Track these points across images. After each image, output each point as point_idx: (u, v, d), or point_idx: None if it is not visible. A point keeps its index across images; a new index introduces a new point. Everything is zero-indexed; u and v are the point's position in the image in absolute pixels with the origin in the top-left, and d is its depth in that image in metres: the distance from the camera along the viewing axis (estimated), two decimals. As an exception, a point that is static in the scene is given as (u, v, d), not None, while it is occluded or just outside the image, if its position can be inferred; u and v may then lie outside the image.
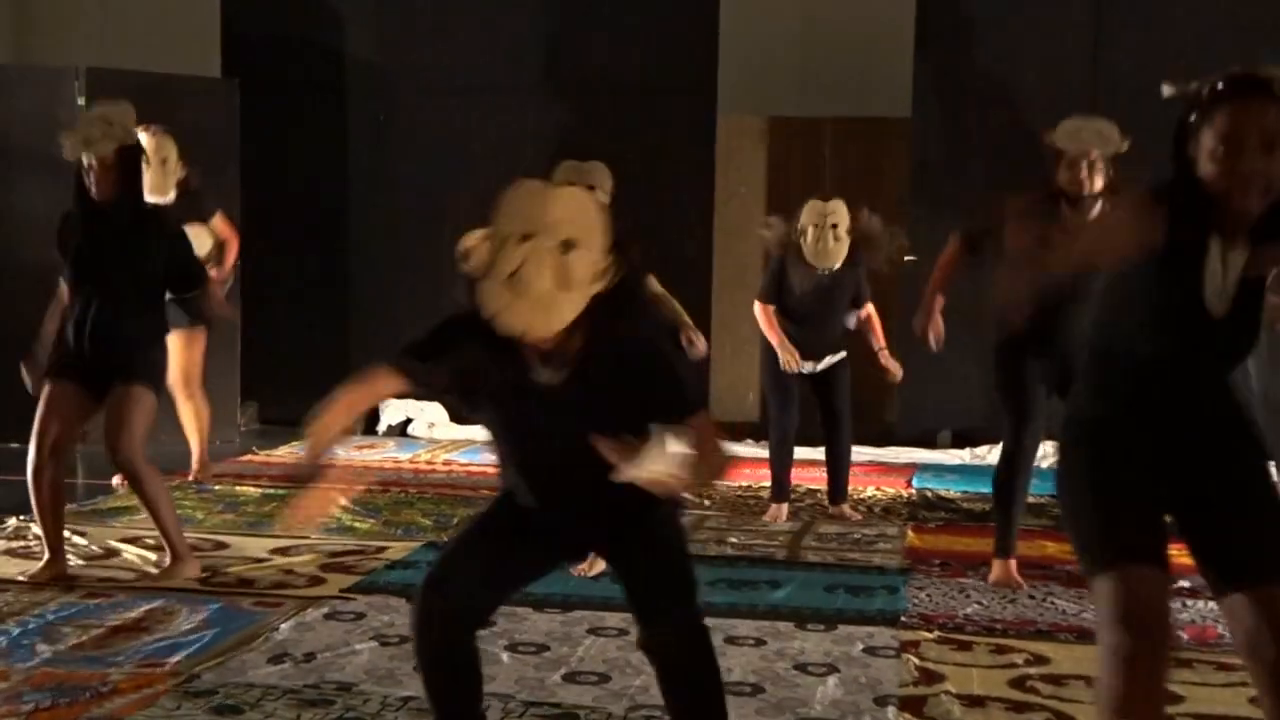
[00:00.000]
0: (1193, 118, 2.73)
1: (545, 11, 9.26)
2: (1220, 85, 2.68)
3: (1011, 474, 5.45)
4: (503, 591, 3.25)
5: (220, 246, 7.03)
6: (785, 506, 6.98)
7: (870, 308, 6.85)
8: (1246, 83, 2.67)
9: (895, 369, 6.97)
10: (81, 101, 8.43)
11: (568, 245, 2.74)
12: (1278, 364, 7.15)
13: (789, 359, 6.71)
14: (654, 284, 5.75)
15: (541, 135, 8.93)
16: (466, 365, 2.95)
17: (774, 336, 6.77)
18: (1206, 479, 2.87)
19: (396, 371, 2.97)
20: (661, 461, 2.73)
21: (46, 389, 5.44)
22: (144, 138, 5.94)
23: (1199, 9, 8.34)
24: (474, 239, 2.86)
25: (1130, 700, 2.73)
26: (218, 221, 6.94)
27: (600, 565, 5.42)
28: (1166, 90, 2.81)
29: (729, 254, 8.87)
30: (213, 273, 6.71)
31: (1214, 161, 2.66)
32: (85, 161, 5.36)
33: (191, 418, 7.28)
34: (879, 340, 6.92)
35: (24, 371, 5.47)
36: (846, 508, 6.97)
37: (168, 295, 5.60)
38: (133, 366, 5.39)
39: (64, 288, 5.44)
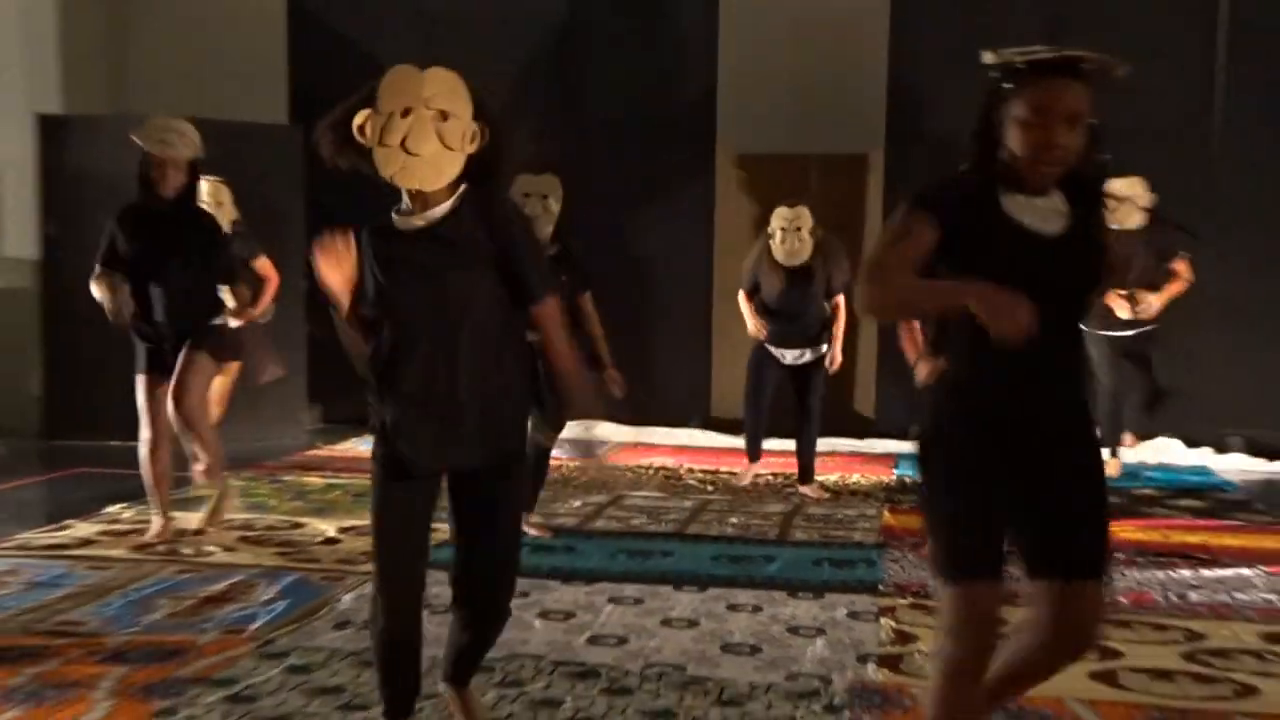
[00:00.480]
0: (1008, 85, 2.60)
1: (565, 60, 9.27)
2: (1035, 60, 2.57)
3: None
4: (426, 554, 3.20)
5: (259, 285, 7.00)
6: (754, 466, 7.18)
7: (841, 299, 6.82)
8: (1059, 60, 2.56)
9: (836, 360, 6.93)
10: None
11: (443, 115, 2.88)
12: (1118, 363, 7.16)
13: (757, 327, 6.84)
14: (586, 303, 5.71)
15: (563, 167, 8.93)
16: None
17: (749, 315, 6.88)
18: (1044, 475, 2.67)
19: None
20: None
21: (143, 381, 5.55)
22: (204, 184, 5.95)
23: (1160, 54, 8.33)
24: (361, 117, 2.89)
25: (953, 704, 2.69)
26: (262, 261, 6.95)
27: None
28: (987, 57, 2.64)
29: (726, 270, 8.84)
30: (254, 310, 6.74)
31: (1023, 130, 2.55)
32: (158, 158, 5.41)
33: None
34: (837, 329, 6.88)
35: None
36: (811, 489, 6.97)
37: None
38: (194, 337, 5.51)
39: (113, 278, 5.43)
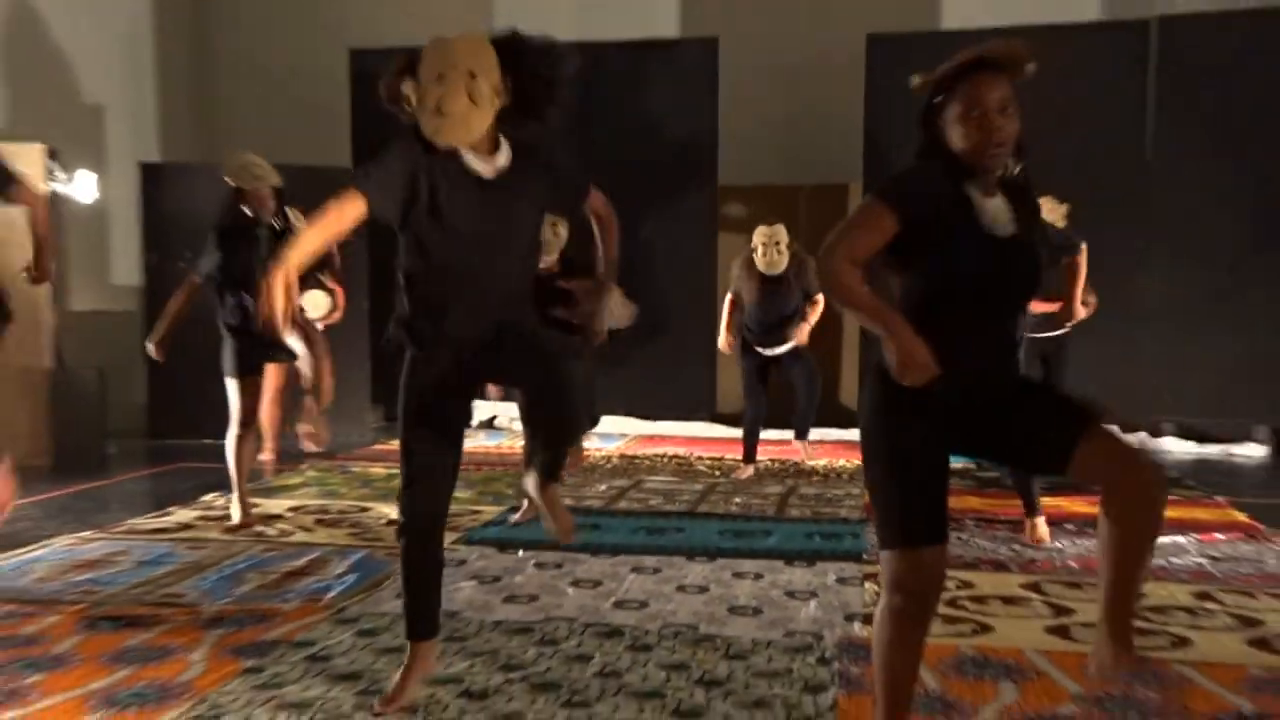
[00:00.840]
0: (939, 98, 2.57)
1: (586, 104, 9.26)
2: (959, 65, 2.53)
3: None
4: (451, 489, 3.18)
5: (333, 294, 7.05)
6: (751, 468, 7.11)
7: (820, 298, 6.76)
8: (979, 60, 2.52)
9: (801, 338, 6.86)
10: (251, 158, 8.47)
11: (471, 74, 2.84)
12: (1033, 365, 7.07)
13: (726, 341, 6.93)
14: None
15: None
16: (411, 182, 2.93)
17: (725, 324, 6.96)
18: (999, 412, 2.57)
19: (358, 194, 2.95)
20: (610, 309, 2.90)
21: (237, 384, 5.56)
22: (291, 212, 5.96)
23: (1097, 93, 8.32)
24: (409, 88, 2.89)
25: (894, 645, 2.63)
26: (333, 280, 7.05)
27: (531, 512, 5.49)
28: (914, 81, 2.60)
29: (727, 285, 8.79)
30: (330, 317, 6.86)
31: (964, 125, 2.50)
32: (248, 189, 5.45)
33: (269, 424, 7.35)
34: (810, 317, 6.83)
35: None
36: (805, 444, 6.98)
37: None
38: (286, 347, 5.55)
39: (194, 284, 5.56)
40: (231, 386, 5.59)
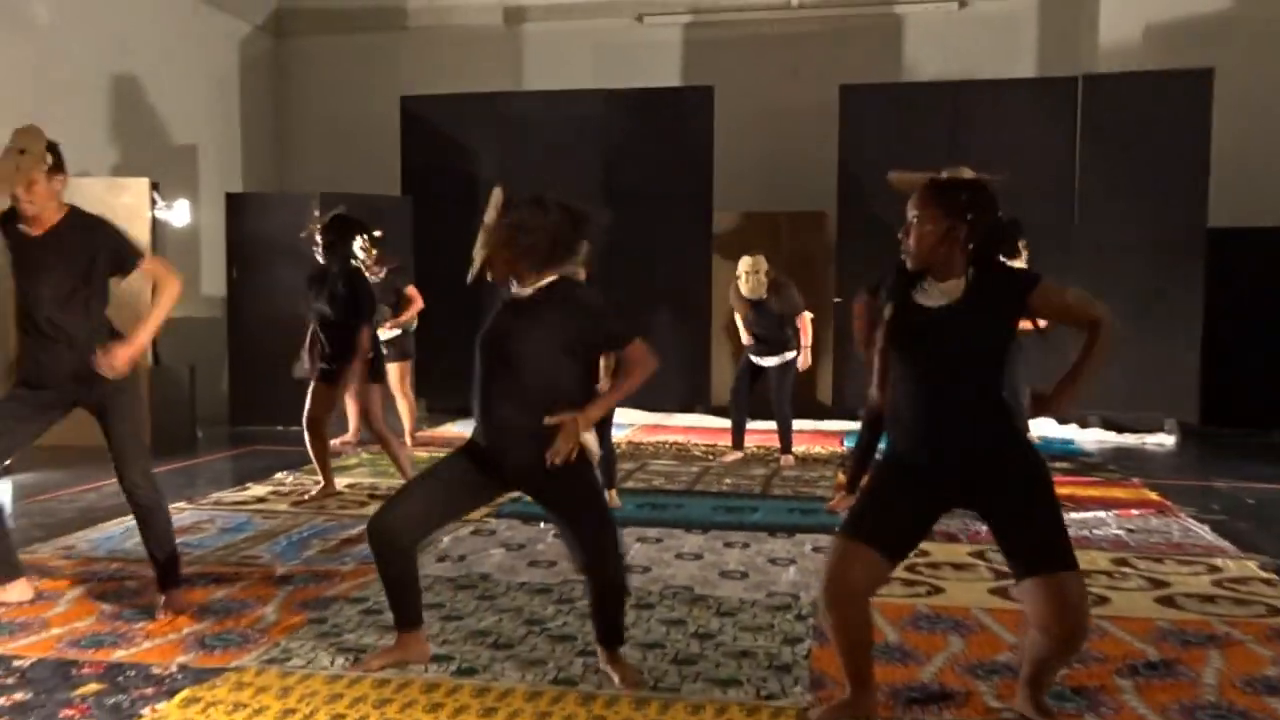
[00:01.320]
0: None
1: (600, 143, 9.26)
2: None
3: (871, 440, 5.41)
4: (433, 523, 3.05)
5: (408, 302, 7.15)
6: (739, 453, 7.02)
7: (804, 317, 6.74)
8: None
9: (806, 362, 6.83)
10: (316, 214, 8.43)
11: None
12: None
13: (747, 338, 6.81)
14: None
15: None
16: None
17: (743, 331, 6.84)
18: (992, 489, 2.54)
19: None
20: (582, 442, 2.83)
21: (312, 386, 5.56)
22: (359, 240, 5.92)
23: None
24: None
25: (836, 642, 2.65)
26: (410, 289, 7.15)
27: (617, 501, 5.39)
28: (893, 176, 2.61)
29: (719, 297, 8.72)
30: (402, 316, 7.04)
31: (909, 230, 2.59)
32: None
33: (407, 411, 7.41)
34: (805, 340, 6.76)
35: (302, 361, 5.60)
36: (788, 458, 6.91)
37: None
38: (374, 368, 5.60)
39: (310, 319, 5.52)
40: (311, 391, 5.60)
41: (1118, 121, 8.36)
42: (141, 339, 3.51)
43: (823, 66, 9.47)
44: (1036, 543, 2.50)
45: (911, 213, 2.54)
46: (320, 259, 5.50)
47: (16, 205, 3.43)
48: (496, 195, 2.89)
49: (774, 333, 6.70)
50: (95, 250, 3.49)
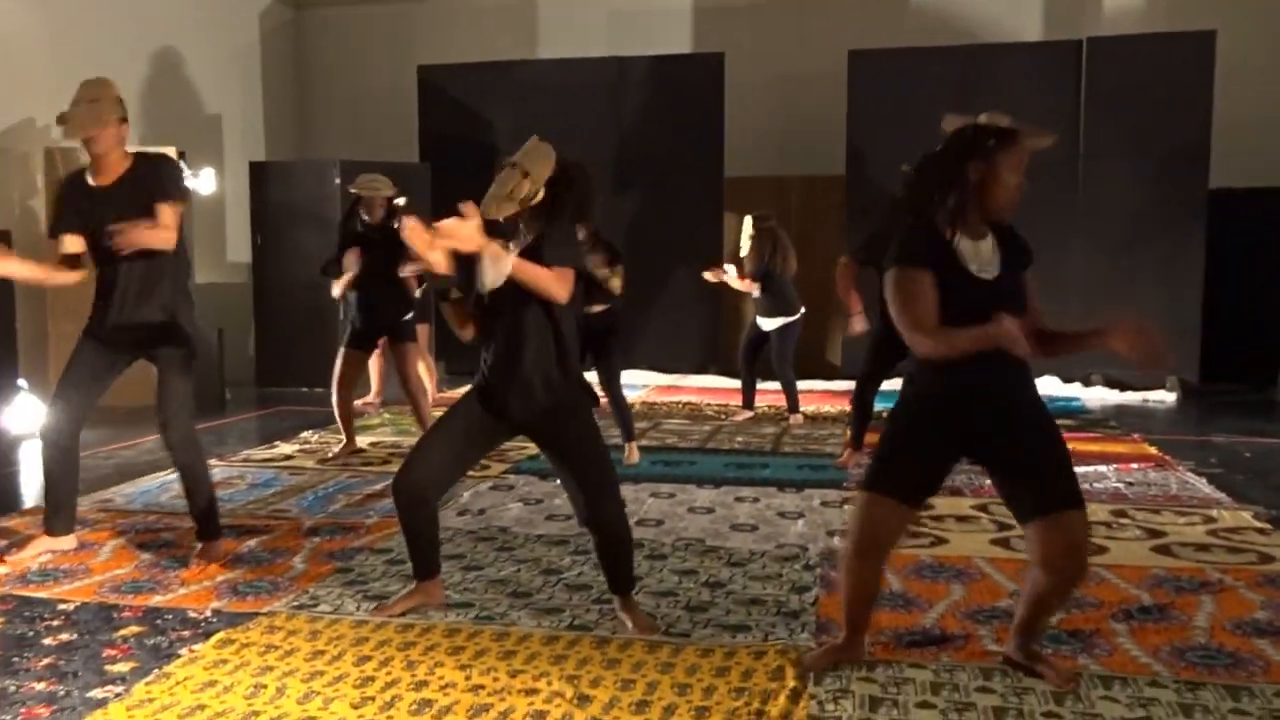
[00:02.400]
0: (992, 142, 2.44)
1: (616, 110, 9.23)
2: (1004, 131, 2.49)
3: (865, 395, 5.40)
4: (454, 475, 3.09)
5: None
6: (749, 412, 7.03)
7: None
8: (1015, 130, 2.51)
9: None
10: (337, 182, 8.45)
11: (525, 173, 2.89)
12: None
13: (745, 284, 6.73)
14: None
15: (616, 188, 8.96)
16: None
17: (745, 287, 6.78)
18: (1004, 435, 2.53)
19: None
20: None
21: (344, 352, 5.57)
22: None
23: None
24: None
25: (856, 576, 2.66)
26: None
27: (637, 455, 5.48)
28: (949, 123, 2.54)
29: (731, 260, 8.79)
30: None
31: (1011, 181, 2.45)
32: (368, 198, 5.46)
33: (427, 372, 7.44)
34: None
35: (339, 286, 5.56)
36: (796, 417, 6.91)
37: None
38: (403, 331, 5.56)
39: (345, 276, 5.45)
40: (341, 354, 5.60)
41: (1121, 84, 8.25)
42: (141, 230, 3.46)
43: (831, 33, 9.37)
44: (1049, 481, 2.51)
45: (1018, 170, 2.46)
46: (371, 218, 5.48)
47: (89, 148, 3.50)
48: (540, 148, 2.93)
49: (771, 296, 6.65)
50: (153, 184, 3.54)
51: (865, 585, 2.69)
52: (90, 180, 3.56)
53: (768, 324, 6.72)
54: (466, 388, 3.13)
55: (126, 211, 3.47)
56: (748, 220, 6.73)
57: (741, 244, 6.71)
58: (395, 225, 5.52)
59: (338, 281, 5.49)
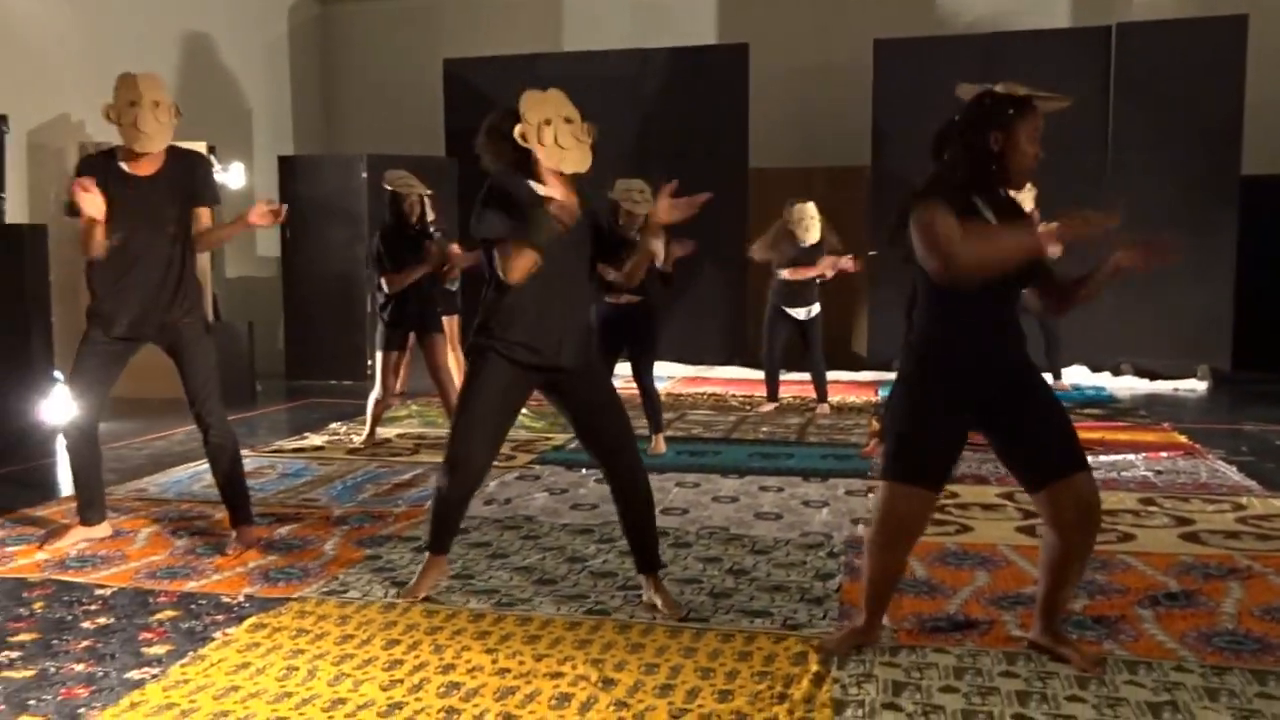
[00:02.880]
0: (1012, 111, 2.46)
1: (639, 104, 9.23)
2: (1022, 100, 2.49)
3: None
4: (500, 443, 3.12)
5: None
6: (773, 404, 7.01)
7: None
8: (1032, 97, 2.52)
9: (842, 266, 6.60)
10: (364, 176, 8.53)
11: (568, 120, 2.99)
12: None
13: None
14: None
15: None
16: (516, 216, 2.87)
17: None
18: (1010, 403, 2.55)
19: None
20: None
21: (383, 355, 5.56)
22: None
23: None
24: (520, 128, 2.94)
25: (881, 564, 2.67)
26: (454, 248, 7.15)
27: (663, 446, 5.50)
28: (999, 89, 2.51)
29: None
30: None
31: (1031, 147, 2.47)
32: (404, 195, 5.43)
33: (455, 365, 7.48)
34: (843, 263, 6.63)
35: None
36: (825, 406, 6.91)
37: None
38: (430, 322, 5.57)
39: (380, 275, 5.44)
40: (380, 358, 5.59)
41: (1151, 70, 8.17)
42: (227, 231, 3.71)
43: (856, 22, 9.33)
44: (1057, 445, 2.54)
45: (1035, 139, 2.49)
46: (412, 215, 5.46)
47: (145, 146, 3.50)
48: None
49: (810, 284, 6.66)
50: (191, 184, 3.62)
51: (891, 572, 2.71)
52: (125, 167, 3.58)
53: (803, 313, 6.70)
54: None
55: (166, 207, 3.55)
56: (810, 205, 6.64)
57: (806, 228, 6.59)
58: (430, 224, 5.58)
59: (393, 279, 5.42)
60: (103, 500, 3.90)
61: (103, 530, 3.86)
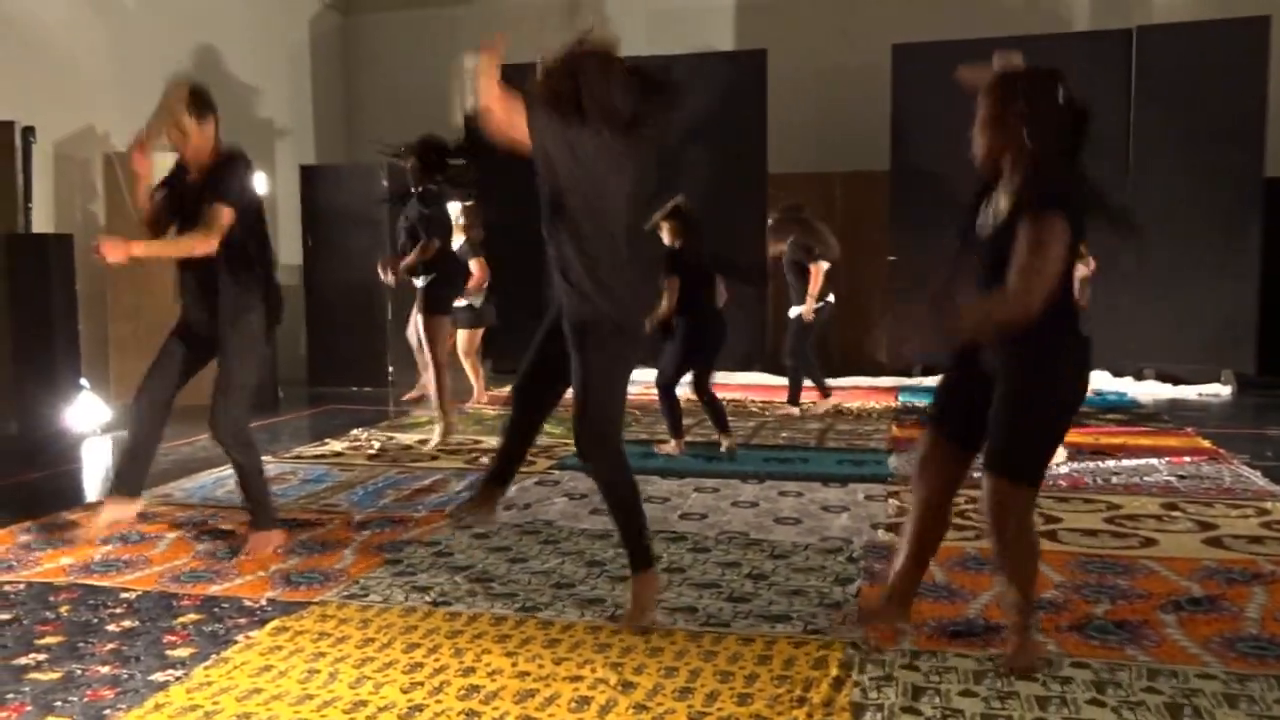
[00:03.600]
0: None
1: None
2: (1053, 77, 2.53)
3: None
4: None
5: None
6: (795, 409, 7.10)
7: (816, 266, 6.85)
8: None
9: (806, 314, 6.90)
10: (385, 184, 8.59)
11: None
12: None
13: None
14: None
15: (660, 187, 8.96)
16: None
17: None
18: (989, 389, 2.59)
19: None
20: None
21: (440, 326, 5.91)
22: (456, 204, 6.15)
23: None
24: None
25: (916, 504, 2.80)
26: (477, 260, 7.29)
27: (682, 446, 5.58)
28: (1002, 60, 2.63)
29: (778, 262, 8.76)
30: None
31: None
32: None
33: (473, 371, 7.61)
34: (810, 289, 6.87)
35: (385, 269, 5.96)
36: (792, 410, 7.05)
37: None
38: (432, 302, 5.90)
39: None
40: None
41: (1172, 73, 8.13)
42: (138, 247, 3.54)
43: (874, 28, 9.32)
44: (994, 438, 2.57)
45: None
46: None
47: (176, 149, 3.69)
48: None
49: (793, 283, 6.96)
50: (215, 182, 3.67)
51: (922, 528, 2.81)
52: (187, 172, 3.75)
53: (791, 310, 6.99)
54: (508, 388, 3.20)
55: (197, 208, 3.62)
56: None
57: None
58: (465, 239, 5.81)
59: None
60: (144, 472, 3.94)
61: (135, 507, 3.96)
